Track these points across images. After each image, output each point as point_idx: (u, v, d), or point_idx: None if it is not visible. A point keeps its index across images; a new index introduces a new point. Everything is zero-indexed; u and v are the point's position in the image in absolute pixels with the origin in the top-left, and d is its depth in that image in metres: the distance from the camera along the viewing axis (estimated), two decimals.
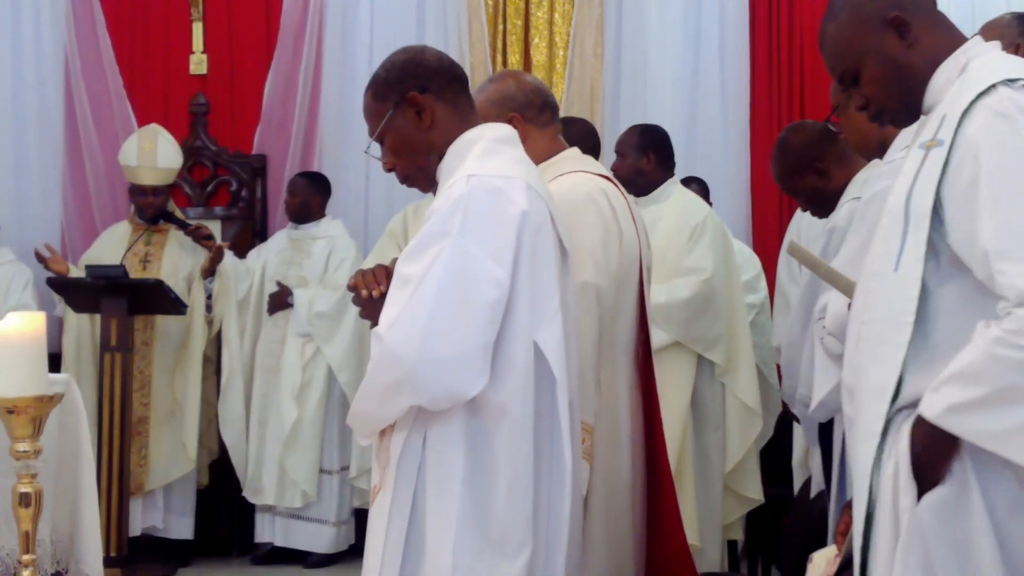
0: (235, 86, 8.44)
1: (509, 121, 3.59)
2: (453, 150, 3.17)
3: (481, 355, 2.89)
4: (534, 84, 3.88)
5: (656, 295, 6.07)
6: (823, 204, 4.40)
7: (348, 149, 8.22)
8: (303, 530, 7.48)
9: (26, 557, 3.43)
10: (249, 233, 8.32)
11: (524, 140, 3.45)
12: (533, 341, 2.97)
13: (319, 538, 7.47)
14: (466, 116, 3.22)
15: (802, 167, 4.41)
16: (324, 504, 7.48)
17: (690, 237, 6.25)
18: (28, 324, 3.49)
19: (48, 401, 3.48)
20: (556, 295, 3.01)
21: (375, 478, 3.11)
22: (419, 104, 3.17)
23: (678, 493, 5.98)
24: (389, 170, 3.26)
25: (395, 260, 3.10)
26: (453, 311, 2.89)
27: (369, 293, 3.10)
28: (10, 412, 3.43)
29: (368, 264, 7.06)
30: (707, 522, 6.22)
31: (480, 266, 2.92)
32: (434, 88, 3.19)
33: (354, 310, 7.37)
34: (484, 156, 3.11)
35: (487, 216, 2.97)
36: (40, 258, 7.34)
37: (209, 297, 7.42)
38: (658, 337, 6.07)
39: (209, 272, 7.39)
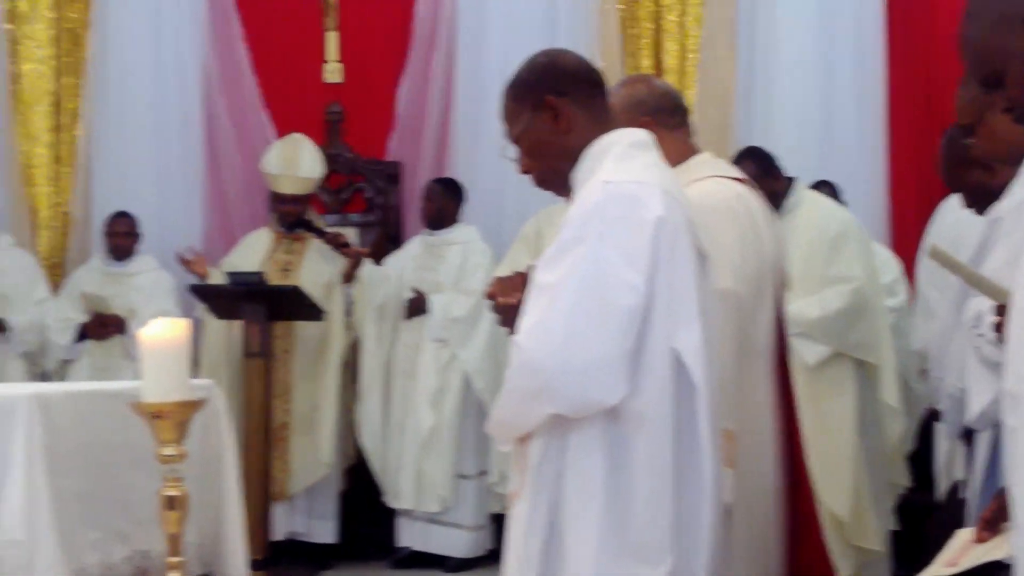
0: (369, 94, 8.53)
1: (641, 126, 3.58)
2: (589, 155, 3.16)
3: (620, 363, 2.88)
4: (665, 88, 3.86)
5: (808, 310, 6.03)
6: (986, 200, 4.31)
7: (482, 154, 8.25)
8: (441, 535, 7.52)
9: (173, 559, 3.50)
10: (384, 239, 8.40)
11: (657, 145, 3.42)
12: (672, 348, 2.95)
13: (457, 543, 7.51)
14: (603, 121, 3.21)
15: (969, 162, 4.33)
16: (461, 509, 7.52)
17: (832, 245, 6.20)
18: (172, 330, 3.56)
19: (192, 406, 3.54)
20: (694, 301, 2.99)
21: (513, 484, 3.12)
22: (556, 108, 3.17)
23: (858, 501, 6.04)
24: (524, 172, 3.27)
25: (532, 267, 3.10)
26: (591, 318, 2.88)
27: (507, 301, 3.10)
28: (156, 417, 3.50)
29: (502, 270, 7.10)
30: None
31: (617, 272, 2.91)
32: (572, 92, 3.18)
33: (489, 315, 7.43)
34: (620, 161, 3.10)
35: (623, 222, 2.96)
36: (182, 261, 7.49)
37: (348, 303, 7.50)
38: (816, 351, 6.09)
39: (348, 278, 7.47)
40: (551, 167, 3.22)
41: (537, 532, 2.99)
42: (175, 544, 3.51)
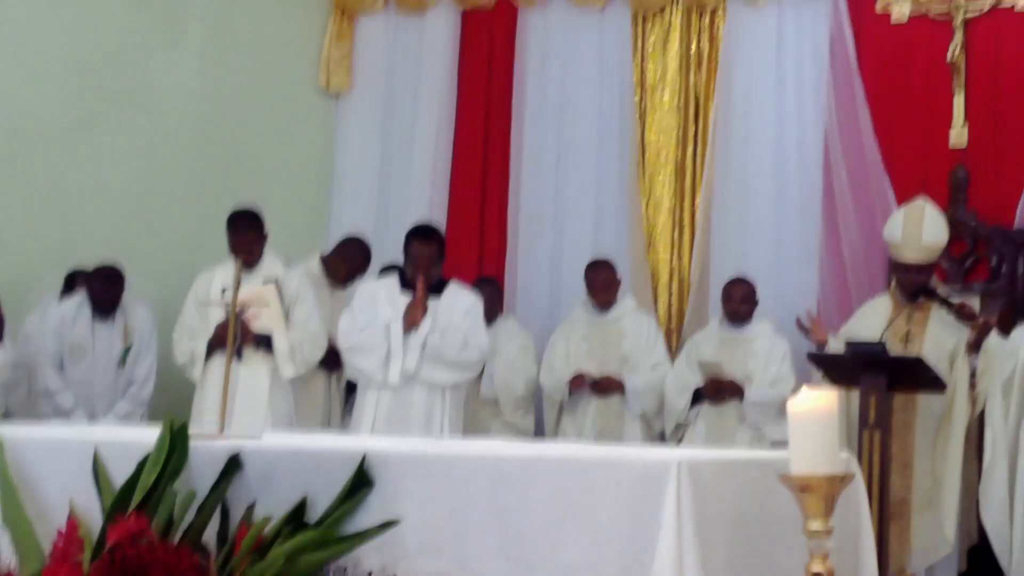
0: (998, 157, 8.19)
1: None
2: None
3: None
4: None
5: None
6: None
7: None
8: None
9: None
10: (1011, 310, 7.99)
11: None
12: None
13: None
14: None
15: None
16: None
17: None
18: (821, 400, 3.48)
19: (840, 480, 3.45)
20: None
21: None
22: None
23: None
24: None
25: None
26: None
27: None
28: (803, 490, 3.43)
29: None
30: None
31: None
32: None
33: None
34: None
35: None
36: (800, 326, 7.44)
37: (972, 375, 7.18)
38: None
39: (974, 348, 7.14)
40: None
41: None
42: None
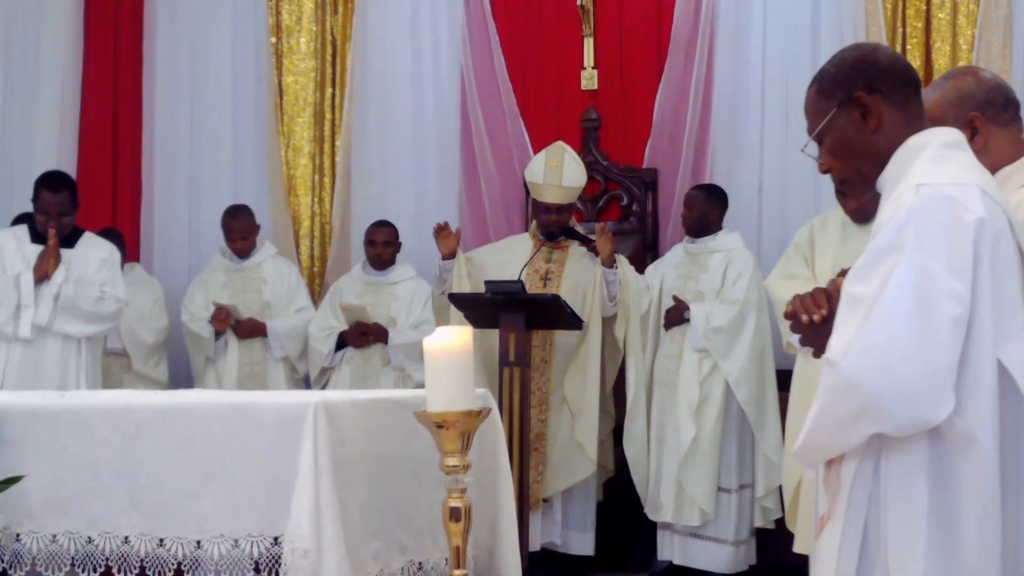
0: (626, 100, 8.44)
1: (969, 121, 3.36)
2: (898, 157, 2.97)
3: (947, 377, 2.68)
4: (994, 80, 3.60)
5: None
6: None
7: (740, 161, 8.12)
8: (702, 549, 7.35)
9: (457, 572, 3.45)
10: (641, 248, 8.29)
11: (986, 142, 3.21)
12: (997, 359, 2.74)
13: (718, 557, 7.32)
14: (914, 122, 3.01)
15: None
16: (723, 523, 7.33)
17: None
18: (456, 339, 3.51)
19: (477, 416, 3.49)
20: (1021, 309, 2.78)
21: (822, 507, 2.94)
22: (865, 105, 2.98)
23: None
24: (824, 171, 3.09)
25: (833, 282, 2.93)
26: (913, 331, 2.69)
27: (810, 318, 2.92)
28: (440, 427, 3.45)
29: (774, 280, 6.92)
30: None
31: (938, 281, 2.71)
32: (884, 89, 2.99)
33: (752, 325, 7.32)
34: (932, 163, 2.90)
35: (941, 226, 2.76)
36: (436, 230, 7.47)
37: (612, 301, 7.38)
38: None
39: (609, 262, 7.33)
40: (855, 167, 3.04)
41: (848, 558, 2.82)
42: (459, 556, 3.46)
